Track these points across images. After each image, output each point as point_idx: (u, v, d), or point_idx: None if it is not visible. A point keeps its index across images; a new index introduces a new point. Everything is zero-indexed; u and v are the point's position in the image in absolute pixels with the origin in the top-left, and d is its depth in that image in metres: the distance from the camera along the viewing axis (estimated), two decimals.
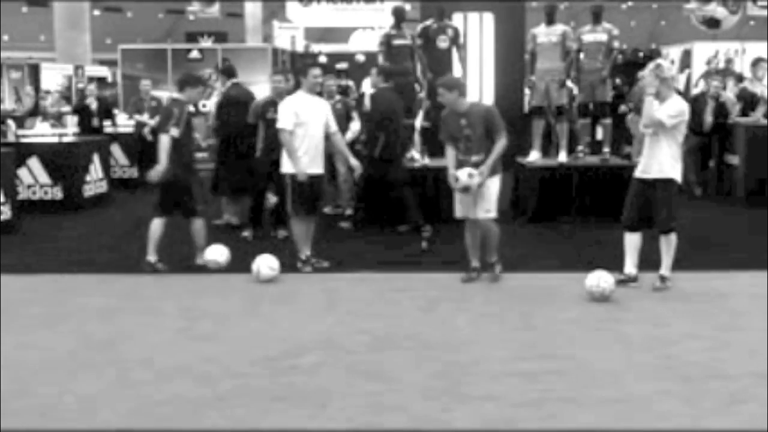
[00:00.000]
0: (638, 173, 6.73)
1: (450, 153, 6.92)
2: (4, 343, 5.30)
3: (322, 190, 7.60)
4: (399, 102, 9.25)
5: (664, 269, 6.63)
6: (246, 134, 8.93)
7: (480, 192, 6.73)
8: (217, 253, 7.31)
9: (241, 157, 9.18)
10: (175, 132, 7.21)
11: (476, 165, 6.68)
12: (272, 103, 8.40)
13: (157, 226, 7.27)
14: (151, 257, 7.25)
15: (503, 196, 10.64)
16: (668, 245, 6.61)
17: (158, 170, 7.19)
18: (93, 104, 13.41)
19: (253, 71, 16.55)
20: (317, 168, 7.26)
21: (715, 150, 11.73)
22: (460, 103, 6.75)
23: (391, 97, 9.11)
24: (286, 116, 7.19)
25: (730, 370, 4.83)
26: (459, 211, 6.92)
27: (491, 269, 6.98)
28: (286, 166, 7.24)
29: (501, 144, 6.73)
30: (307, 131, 7.17)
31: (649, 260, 6.72)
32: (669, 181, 6.57)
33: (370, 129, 9.13)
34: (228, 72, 9.95)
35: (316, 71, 7.39)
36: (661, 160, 6.54)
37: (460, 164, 6.79)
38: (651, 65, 6.73)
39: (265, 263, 6.95)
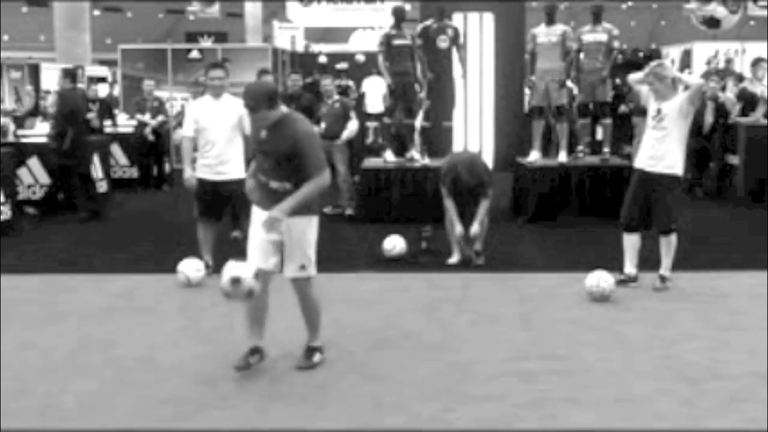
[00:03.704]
0: (641, 165, 6.63)
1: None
2: (4, 343, 5.31)
3: (231, 194, 6.89)
4: (84, 101, 10.88)
5: (664, 269, 6.62)
6: None
7: (290, 240, 4.71)
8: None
9: None
10: None
11: (276, 194, 4.67)
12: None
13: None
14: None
15: (503, 197, 10.70)
16: (668, 245, 6.60)
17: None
18: (92, 113, 13.39)
19: (254, 71, 16.56)
20: (223, 175, 6.95)
21: (715, 150, 11.73)
22: (272, 115, 4.58)
23: (75, 97, 10.37)
24: (186, 123, 7.10)
25: (730, 370, 4.83)
26: (258, 260, 4.70)
27: (307, 357, 4.94)
28: (197, 172, 7.05)
29: (315, 183, 4.61)
30: (209, 137, 6.94)
31: (649, 260, 6.72)
32: (675, 178, 6.54)
33: (59, 125, 10.16)
34: None
35: (214, 72, 7.02)
36: (669, 155, 6.47)
37: (261, 188, 4.78)
38: (653, 63, 6.73)
39: (192, 267, 6.87)
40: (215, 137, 6.96)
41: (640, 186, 6.64)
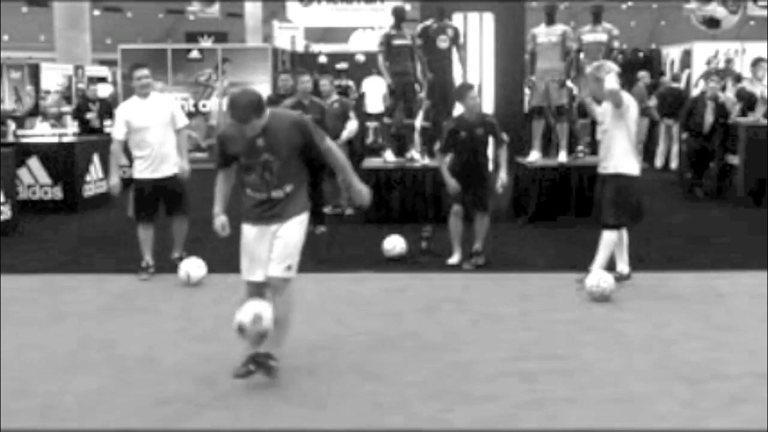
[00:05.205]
0: (599, 169, 6.85)
1: (222, 182, 4.67)
2: (4, 343, 5.31)
3: (172, 192, 7.18)
4: None
5: (622, 265, 6.70)
6: None
7: (280, 239, 4.51)
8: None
9: None
10: None
11: (277, 202, 4.51)
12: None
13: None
14: None
15: (504, 197, 10.71)
16: (602, 241, 6.62)
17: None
18: (92, 113, 13.39)
19: (253, 71, 16.58)
20: (163, 172, 7.06)
21: (715, 150, 11.72)
22: (261, 122, 4.38)
23: None
24: (116, 126, 7.08)
25: (730, 370, 4.83)
26: (248, 273, 4.60)
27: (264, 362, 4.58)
28: (134, 171, 7.15)
29: (336, 150, 4.60)
30: (145, 137, 6.96)
31: (647, 261, 6.72)
32: (620, 176, 6.58)
33: None
34: None
35: (140, 72, 6.97)
36: (614, 155, 6.58)
37: (250, 203, 4.57)
38: (594, 64, 6.81)
39: (194, 265, 6.90)
40: (152, 137, 7.00)
41: (599, 187, 6.89)
